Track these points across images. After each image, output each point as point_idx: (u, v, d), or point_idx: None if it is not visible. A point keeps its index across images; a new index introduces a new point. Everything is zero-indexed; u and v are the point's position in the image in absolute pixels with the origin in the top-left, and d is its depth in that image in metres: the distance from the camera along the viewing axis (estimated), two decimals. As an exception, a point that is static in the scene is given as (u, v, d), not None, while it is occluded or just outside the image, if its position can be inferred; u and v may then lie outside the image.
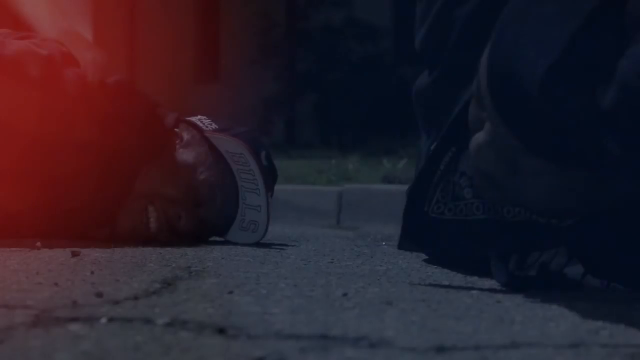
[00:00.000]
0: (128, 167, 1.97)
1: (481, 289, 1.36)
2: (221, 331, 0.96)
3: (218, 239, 2.10)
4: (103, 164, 1.96)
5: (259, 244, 2.01)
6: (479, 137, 1.21)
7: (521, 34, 1.12)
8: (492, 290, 1.35)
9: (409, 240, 1.72)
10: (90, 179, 1.96)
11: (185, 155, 2.02)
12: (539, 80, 1.08)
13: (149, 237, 1.95)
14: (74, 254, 1.64)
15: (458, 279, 1.50)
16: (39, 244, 1.77)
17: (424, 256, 1.80)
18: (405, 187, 1.86)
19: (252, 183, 1.99)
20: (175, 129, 2.06)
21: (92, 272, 1.42)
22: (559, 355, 0.90)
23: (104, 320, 1.00)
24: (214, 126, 2.08)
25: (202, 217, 2.00)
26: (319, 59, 12.44)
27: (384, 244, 2.21)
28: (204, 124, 2.08)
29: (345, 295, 1.25)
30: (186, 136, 2.05)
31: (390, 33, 12.55)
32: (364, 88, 11.58)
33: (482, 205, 1.38)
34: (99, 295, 1.17)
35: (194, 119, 2.10)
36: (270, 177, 2.07)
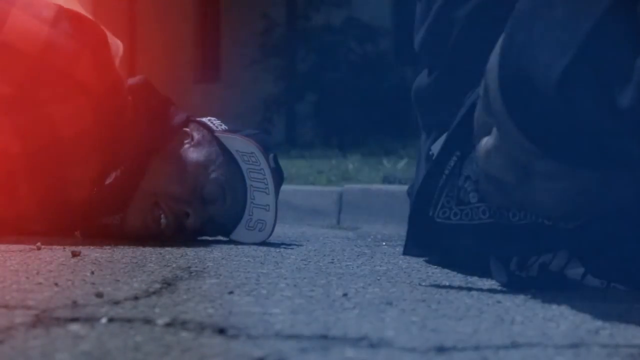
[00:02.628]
0: (134, 154, 2.00)
1: (481, 289, 1.36)
2: (221, 331, 0.96)
3: (218, 238, 2.10)
4: (104, 148, 1.99)
5: (258, 244, 2.01)
6: (487, 142, 1.21)
7: (532, 36, 1.11)
8: (492, 290, 1.35)
9: (415, 245, 1.72)
10: (93, 158, 1.99)
11: (196, 154, 2.04)
12: (555, 82, 1.07)
13: (158, 233, 1.98)
14: (74, 254, 1.64)
15: (458, 279, 1.50)
16: (39, 243, 1.77)
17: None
18: (405, 187, 1.86)
19: (262, 182, 2.02)
20: (186, 128, 2.08)
21: (92, 272, 1.42)
22: (559, 355, 0.90)
23: (104, 320, 1.00)
24: (224, 127, 2.11)
25: (211, 215, 2.03)
26: (319, 59, 12.44)
27: (384, 244, 2.21)
28: (214, 124, 2.11)
29: (345, 295, 1.25)
30: (197, 135, 2.07)
31: (390, 33, 12.55)
32: (364, 88, 11.58)
33: (487, 209, 1.38)
34: (99, 295, 1.17)
35: (204, 119, 2.13)
36: (277, 179, 2.08)
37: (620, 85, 1.05)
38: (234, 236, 2.06)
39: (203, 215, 2.01)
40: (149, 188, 1.99)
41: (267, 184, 2.01)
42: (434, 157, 1.54)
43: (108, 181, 1.99)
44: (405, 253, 1.78)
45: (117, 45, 2.08)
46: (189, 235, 2.03)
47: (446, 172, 1.44)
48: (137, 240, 1.97)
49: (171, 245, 1.90)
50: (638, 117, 1.05)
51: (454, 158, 1.43)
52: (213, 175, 2.02)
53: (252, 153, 2.01)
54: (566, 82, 1.07)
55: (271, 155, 2.08)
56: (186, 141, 2.05)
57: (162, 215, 1.98)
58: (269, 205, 2.02)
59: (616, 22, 1.06)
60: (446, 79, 1.62)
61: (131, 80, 2.08)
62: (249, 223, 2.04)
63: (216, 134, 2.07)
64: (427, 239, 1.58)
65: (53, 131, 1.95)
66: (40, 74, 1.93)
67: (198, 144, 2.05)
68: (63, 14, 1.96)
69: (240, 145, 2.03)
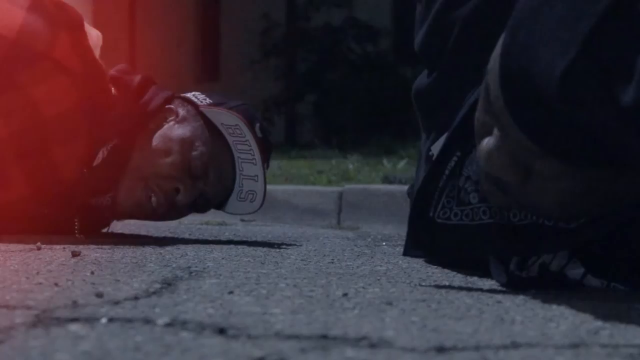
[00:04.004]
0: (118, 132, 2.01)
1: (481, 289, 1.36)
2: (221, 331, 0.96)
3: (219, 238, 2.11)
4: (89, 127, 2.00)
5: (258, 244, 2.01)
6: (488, 143, 1.21)
7: (534, 35, 1.11)
8: (492, 290, 1.35)
9: (415, 246, 1.71)
10: (78, 137, 2.00)
11: (181, 130, 2.05)
12: (557, 81, 1.07)
13: (150, 212, 2.01)
14: (74, 254, 1.64)
15: (458, 279, 1.50)
16: (39, 243, 1.77)
17: (424, 256, 1.79)
18: (405, 187, 1.86)
19: (248, 153, 2.03)
20: (170, 105, 2.09)
21: (92, 272, 1.42)
22: (559, 355, 0.90)
23: (104, 320, 1.00)
24: (208, 100, 2.12)
25: (201, 190, 2.04)
26: (319, 59, 12.45)
27: (384, 244, 2.21)
28: (198, 98, 2.12)
29: (345, 295, 1.25)
30: (181, 112, 2.08)
31: (390, 33, 12.56)
32: (364, 88, 11.58)
33: (488, 209, 1.38)
34: (99, 295, 1.17)
35: (189, 95, 2.14)
36: (266, 148, 2.10)
37: (622, 83, 1.05)
38: (227, 209, 2.09)
39: (193, 191, 2.03)
40: (137, 168, 2.01)
41: (254, 155, 2.03)
42: (434, 158, 1.54)
43: (96, 162, 2.00)
44: (405, 254, 1.78)
45: (96, 36, 2.08)
46: (182, 212, 2.06)
47: (446, 172, 1.44)
48: (130, 217, 2.03)
49: (171, 245, 1.90)
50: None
51: (455, 158, 1.43)
52: (199, 150, 2.03)
53: (236, 125, 2.03)
54: (568, 80, 1.07)
55: (257, 125, 2.09)
56: (171, 118, 2.07)
57: (152, 194, 2.00)
58: (257, 176, 2.04)
59: (618, 20, 1.06)
60: (446, 80, 1.62)
61: (112, 71, 2.09)
62: (239, 194, 2.06)
63: (201, 108, 2.08)
64: (427, 239, 1.58)
65: (36, 112, 1.96)
66: (18, 56, 1.94)
67: (183, 120, 2.07)
68: None
69: (225, 118, 2.05)
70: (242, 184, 2.05)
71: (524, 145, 1.14)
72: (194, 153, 2.02)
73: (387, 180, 4.11)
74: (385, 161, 5.16)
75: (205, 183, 2.04)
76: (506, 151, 1.18)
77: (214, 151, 2.04)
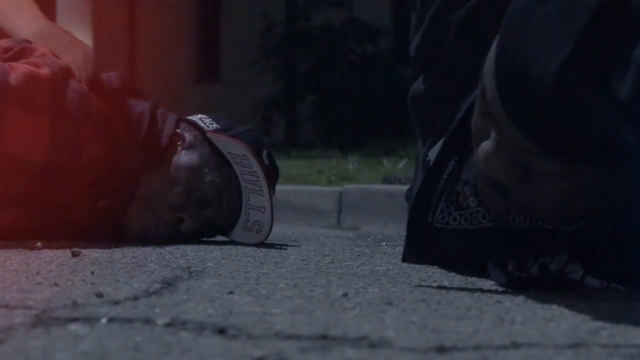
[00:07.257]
0: (131, 173, 1.97)
1: (481, 289, 1.36)
2: (221, 331, 0.96)
3: (218, 239, 2.10)
4: (106, 173, 1.95)
5: (259, 244, 2.01)
6: (486, 146, 1.20)
7: (528, 34, 1.11)
8: (492, 290, 1.35)
9: (414, 252, 1.71)
10: (93, 189, 1.95)
11: (189, 157, 2.02)
12: (554, 78, 1.07)
13: (154, 239, 1.97)
14: (74, 254, 1.64)
15: (458, 279, 1.50)
16: (39, 244, 1.77)
17: (424, 256, 1.79)
18: (405, 187, 1.86)
19: (256, 184, 1.99)
20: (177, 130, 2.05)
21: (92, 272, 1.42)
22: (559, 355, 0.90)
23: (104, 320, 1.00)
24: (215, 125, 2.08)
25: (207, 218, 2.02)
26: (319, 59, 12.45)
27: (384, 244, 2.21)
28: (204, 123, 2.08)
29: (345, 295, 1.25)
30: (188, 137, 2.05)
31: (390, 33, 12.57)
32: (364, 88, 11.59)
33: (487, 213, 1.37)
34: (99, 295, 1.17)
35: (195, 118, 2.10)
36: (272, 175, 2.07)
37: (618, 77, 1.05)
38: (233, 236, 2.05)
39: (199, 219, 2.00)
40: (144, 198, 1.97)
41: (261, 187, 1.99)
42: (431, 162, 1.54)
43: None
44: (404, 260, 1.77)
45: (87, 51, 2.02)
46: (187, 239, 2.01)
47: (444, 177, 1.43)
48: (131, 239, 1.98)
49: (171, 245, 1.90)
50: (637, 108, 1.05)
51: (452, 162, 1.43)
52: (208, 177, 2.00)
53: (244, 155, 1.98)
54: (564, 77, 1.07)
55: (265, 152, 2.06)
56: (178, 143, 2.03)
57: (157, 226, 1.98)
58: (264, 207, 2.00)
59: (612, 14, 1.06)
60: (442, 85, 1.62)
61: (107, 78, 2.02)
62: (246, 224, 2.02)
63: (207, 134, 2.05)
64: (426, 245, 1.57)
65: (63, 202, 1.93)
66: (52, 178, 1.87)
67: (190, 146, 2.03)
68: (54, 86, 1.85)
69: (232, 147, 2.00)
70: (249, 214, 2.01)
71: (522, 146, 1.14)
72: (202, 181, 2.00)
73: (387, 180, 4.11)
74: (385, 161, 5.15)
75: (212, 211, 2.01)
76: (504, 153, 1.18)
77: (222, 179, 2.01)
